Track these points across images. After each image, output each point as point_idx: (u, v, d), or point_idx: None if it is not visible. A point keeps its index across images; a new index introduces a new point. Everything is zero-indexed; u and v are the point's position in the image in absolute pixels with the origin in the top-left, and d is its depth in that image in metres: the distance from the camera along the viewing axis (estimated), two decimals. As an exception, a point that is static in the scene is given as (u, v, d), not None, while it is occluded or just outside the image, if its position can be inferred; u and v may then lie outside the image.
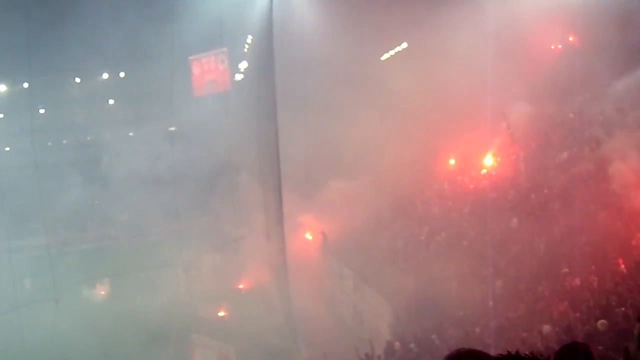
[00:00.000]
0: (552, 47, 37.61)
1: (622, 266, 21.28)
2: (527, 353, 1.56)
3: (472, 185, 34.16)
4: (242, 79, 48.82)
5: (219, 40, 39.74)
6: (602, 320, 16.69)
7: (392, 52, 42.73)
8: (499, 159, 33.42)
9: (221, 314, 37.64)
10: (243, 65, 48.76)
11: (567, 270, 22.76)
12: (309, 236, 40.16)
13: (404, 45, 41.55)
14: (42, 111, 51.13)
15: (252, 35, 43.44)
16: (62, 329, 29.98)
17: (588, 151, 28.95)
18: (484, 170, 33.88)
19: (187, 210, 42.11)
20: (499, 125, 32.27)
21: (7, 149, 47.64)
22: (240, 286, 39.79)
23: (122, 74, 54.80)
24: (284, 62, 35.72)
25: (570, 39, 36.49)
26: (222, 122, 36.57)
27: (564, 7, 32.28)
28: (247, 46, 46.00)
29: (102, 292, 41.46)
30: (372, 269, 32.64)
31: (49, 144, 50.92)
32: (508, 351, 1.57)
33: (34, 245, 39.75)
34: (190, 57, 43.25)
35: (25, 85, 45.30)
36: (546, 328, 18.94)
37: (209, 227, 45.93)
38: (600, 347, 14.32)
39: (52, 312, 31.79)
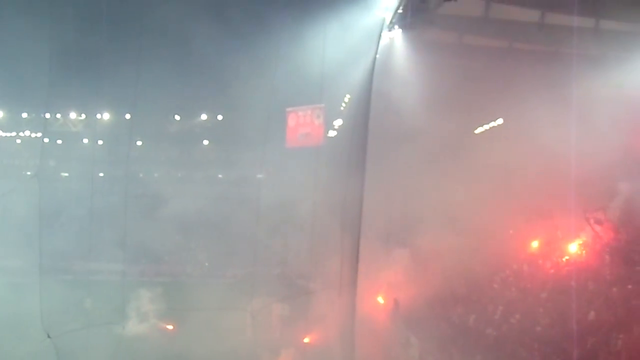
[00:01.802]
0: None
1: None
2: None
3: (552, 271, 33.34)
4: (335, 136, 49.31)
5: (317, 95, 40.33)
6: None
7: (486, 127, 42.53)
8: (584, 247, 32.64)
9: (283, 365, 37.51)
10: (338, 122, 49.30)
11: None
12: (381, 300, 39.82)
13: (500, 121, 41.33)
14: (139, 143, 52.74)
15: (350, 95, 43.93)
16: (125, 354, 30.43)
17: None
18: (567, 257, 33.11)
19: (264, 259, 42.49)
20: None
21: (101, 174, 49.20)
22: (306, 340, 39.59)
23: (219, 117, 56.20)
24: (378, 126, 35.98)
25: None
26: (311, 176, 36.92)
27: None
28: (344, 104, 46.53)
29: (169, 326, 41.89)
30: (440, 343, 32.07)
31: (141, 175, 52.36)
32: None
33: (112, 270, 40.76)
34: (288, 109, 44.00)
35: (128, 116, 47.00)
36: None
37: (283, 277, 46.18)
38: None
39: (118, 337, 32.40)
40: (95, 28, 36.62)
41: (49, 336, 29.12)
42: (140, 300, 40.59)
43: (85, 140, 53.48)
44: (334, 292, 36.09)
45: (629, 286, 27.57)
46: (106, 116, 54.02)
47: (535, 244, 36.30)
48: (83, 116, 56.05)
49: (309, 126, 43.66)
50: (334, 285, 36.25)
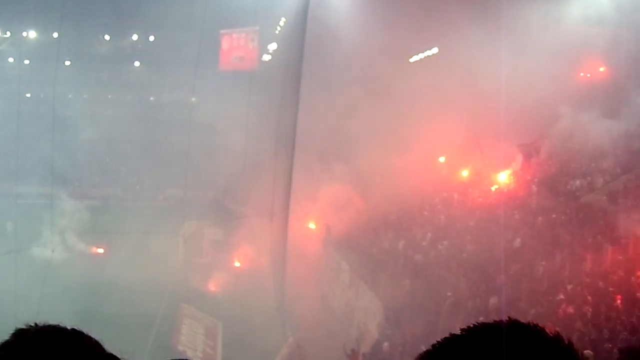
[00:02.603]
0: (582, 74, 37.58)
1: (619, 301, 21.22)
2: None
3: (480, 199, 34.09)
4: (269, 60, 48.81)
5: (252, 18, 39.68)
6: (589, 351, 16.67)
7: (421, 56, 42.62)
8: (512, 177, 33.37)
9: (213, 288, 37.73)
10: (272, 46, 48.75)
11: (562, 297, 22.71)
12: (312, 226, 40.20)
13: (435, 50, 41.44)
14: (67, 63, 51.25)
15: (285, 18, 43.39)
16: (54, 278, 30.17)
17: (602, 183, 28.86)
18: (496, 186, 33.84)
19: (195, 183, 42.27)
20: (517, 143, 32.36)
21: (28, 95, 47.80)
22: (237, 264, 39.88)
23: (151, 38, 54.93)
24: (312, 51, 35.72)
25: (601, 69, 36.45)
26: (243, 101, 36.58)
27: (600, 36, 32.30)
28: (279, 28, 45.97)
29: (99, 249, 41.61)
30: (370, 268, 32.64)
31: (70, 96, 51.07)
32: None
33: (40, 193, 40.02)
34: (222, 31, 43.26)
35: (55, 35, 45.45)
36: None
37: (214, 202, 46.12)
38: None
39: (47, 260, 32.04)
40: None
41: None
42: (69, 224, 40.09)
43: (11, 60, 51.64)
44: (266, 216, 36.28)
45: (554, 215, 28.41)
46: (32, 34, 52.21)
47: (465, 173, 36.93)
48: (8, 34, 54.01)
49: (243, 49, 43.17)
50: (266, 210, 36.41)
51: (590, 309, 21.11)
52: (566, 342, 1.59)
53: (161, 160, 45.61)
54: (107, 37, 55.82)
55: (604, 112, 31.05)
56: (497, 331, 1.60)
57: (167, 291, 34.96)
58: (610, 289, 22.06)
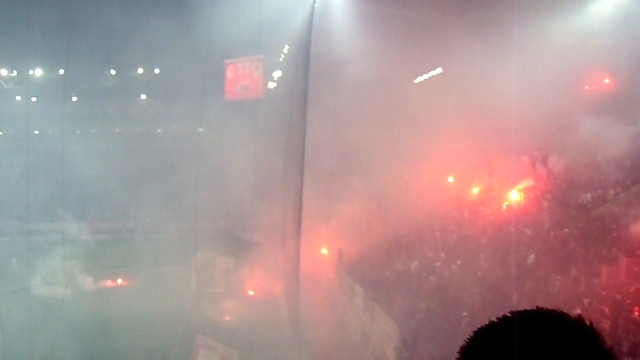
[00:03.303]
0: (587, 87, 37.60)
1: (637, 313, 21.04)
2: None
3: (492, 217, 33.97)
4: (274, 87, 48.99)
5: (255, 47, 39.89)
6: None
7: (426, 76, 42.74)
8: (523, 194, 33.27)
9: (228, 317, 37.63)
10: (277, 74, 48.95)
11: (579, 311, 22.47)
12: (324, 251, 40.12)
13: (439, 70, 41.56)
14: (74, 99, 51.58)
15: (289, 46, 43.61)
16: (68, 314, 30.18)
17: (612, 195, 28.73)
18: (507, 203, 33.71)
19: (206, 213, 42.28)
20: (525, 160, 32.32)
21: (36, 132, 48.06)
22: (250, 292, 39.78)
23: (157, 71, 55.23)
24: (318, 76, 35.85)
25: (606, 81, 36.45)
26: (251, 128, 36.70)
27: (603, 48, 32.34)
28: (283, 56, 46.18)
29: (112, 283, 41.62)
30: (384, 291, 32.52)
31: (77, 132, 51.34)
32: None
33: (51, 229, 40.12)
34: (226, 61, 43.44)
35: (61, 71, 45.81)
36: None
37: (225, 231, 46.10)
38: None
39: (61, 297, 32.05)
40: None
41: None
42: (81, 259, 40.12)
43: (18, 98, 52.01)
44: (278, 244, 36.24)
45: (566, 230, 28.27)
46: (39, 72, 52.59)
47: (475, 191, 36.86)
48: (14, 72, 54.43)
49: (248, 78, 43.27)
50: (277, 237, 36.38)
51: (608, 323, 20.92)
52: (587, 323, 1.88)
53: (171, 191, 45.64)
54: (112, 72, 56.13)
55: (612, 124, 30.98)
56: (528, 318, 1.93)
57: (182, 322, 34.88)
58: (628, 301, 21.88)
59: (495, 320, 1.96)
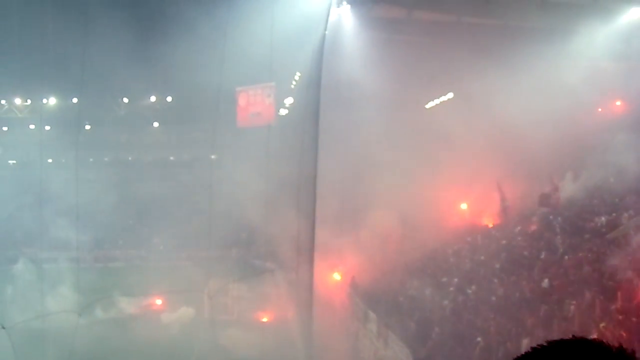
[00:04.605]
0: (600, 110, 37.60)
1: (655, 337, 20.82)
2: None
3: (505, 242, 33.85)
4: (286, 114, 49.22)
5: (267, 74, 40.15)
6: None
7: (437, 101, 42.86)
8: (536, 218, 33.16)
9: (241, 345, 37.49)
10: (288, 100, 49.19)
11: (595, 335, 22.29)
12: (337, 277, 39.99)
13: (450, 95, 41.66)
14: (87, 127, 52.03)
15: (300, 73, 43.85)
16: (82, 341, 30.16)
17: (627, 218, 28.58)
18: (519, 228, 33.61)
19: (219, 240, 42.33)
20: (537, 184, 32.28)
21: (50, 160, 48.40)
22: (264, 319, 39.67)
23: (169, 99, 55.65)
24: (329, 103, 36.00)
25: (618, 103, 36.45)
26: (263, 155, 36.84)
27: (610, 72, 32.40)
28: (294, 82, 46.43)
29: (126, 311, 41.58)
30: (398, 316, 32.34)
31: (91, 160, 51.69)
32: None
33: (65, 257, 40.24)
34: (238, 88, 43.71)
35: (75, 100, 46.24)
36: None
37: (238, 258, 46.11)
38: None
39: (74, 324, 32.06)
40: (38, 11, 35.90)
41: (2, 327, 28.71)
42: (94, 287, 40.18)
43: (32, 126, 52.53)
44: (291, 270, 36.20)
45: (580, 254, 28.11)
46: (52, 101, 53.10)
47: (487, 216, 36.80)
48: (29, 102, 55.00)
49: (260, 105, 43.48)
50: (290, 264, 36.35)
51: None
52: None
53: (184, 219, 45.77)
54: (125, 100, 56.62)
55: (623, 147, 30.90)
56: (569, 346, 2.00)
57: (195, 350, 34.78)
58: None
59: (537, 347, 2.00)
